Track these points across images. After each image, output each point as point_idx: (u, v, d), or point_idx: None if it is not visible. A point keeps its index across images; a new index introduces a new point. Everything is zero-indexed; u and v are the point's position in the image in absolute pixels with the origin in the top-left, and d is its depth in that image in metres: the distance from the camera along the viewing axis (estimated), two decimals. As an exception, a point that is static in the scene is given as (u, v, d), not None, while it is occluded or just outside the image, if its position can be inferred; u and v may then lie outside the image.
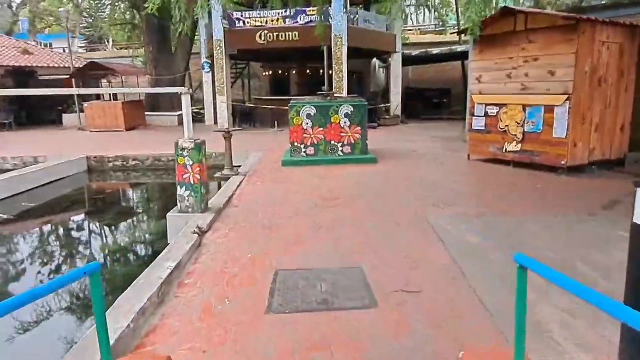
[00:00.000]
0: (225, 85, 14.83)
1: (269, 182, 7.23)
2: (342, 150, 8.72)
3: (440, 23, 29.79)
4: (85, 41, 43.07)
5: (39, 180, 9.05)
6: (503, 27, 7.82)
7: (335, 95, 9.12)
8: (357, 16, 14.37)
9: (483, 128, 8.34)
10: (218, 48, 14.59)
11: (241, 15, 14.21)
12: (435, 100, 19.70)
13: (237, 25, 14.33)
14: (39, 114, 19.67)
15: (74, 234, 7.23)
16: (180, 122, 18.61)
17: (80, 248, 6.49)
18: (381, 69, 22.19)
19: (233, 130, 8.13)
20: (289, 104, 8.67)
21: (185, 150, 5.22)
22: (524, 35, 7.50)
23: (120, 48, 35.50)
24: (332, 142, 8.67)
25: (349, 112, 8.58)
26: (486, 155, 8.48)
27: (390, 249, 4.17)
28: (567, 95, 6.95)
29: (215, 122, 16.07)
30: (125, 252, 6.10)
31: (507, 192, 6.28)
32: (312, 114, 8.55)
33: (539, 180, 6.95)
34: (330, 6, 13.58)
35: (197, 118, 18.59)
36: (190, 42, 19.40)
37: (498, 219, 5.00)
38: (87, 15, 40.19)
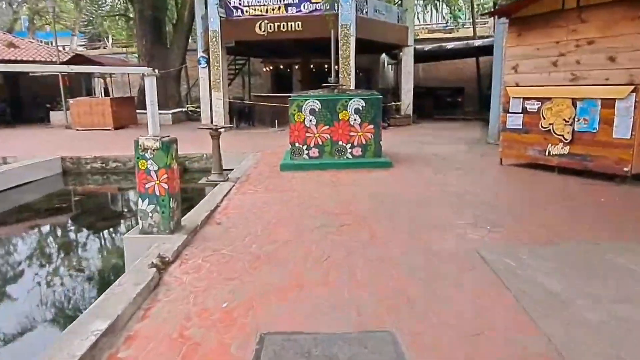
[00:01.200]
0: (221, 80, 13.55)
1: (263, 191, 5.92)
2: (351, 153, 7.41)
3: (452, 19, 28.51)
4: (85, 39, 41.95)
5: (-2, 185, 7.79)
6: (548, 5, 6.48)
7: (343, 88, 7.83)
8: (366, 5, 13.07)
9: (520, 127, 7.00)
10: (214, 40, 13.32)
11: (239, 4, 12.94)
12: (449, 100, 18.37)
13: (234, 14, 13.05)
14: (28, 111, 18.59)
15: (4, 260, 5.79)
16: (176, 121, 17.41)
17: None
18: (390, 66, 20.89)
19: (223, 127, 6.82)
20: (290, 98, 7.36)
21: (149, 151, 3.92)
22: (576, 14, 6.16)
23: (121, 46, 34.41)
24: (340, 142, 7.36)
25: (360, 108, 7.27)
26: (523, 159, 7.14)
27: (433, 300, 2.84)
28: (632, 87, 5.61)
29: (212, 121, 14.79)
30: (63, 289, 4.70)
31: (567, 209, 4.93)
32: (317, 110, 7.24)
33: (598, 191, 5.60)
34: (337, -7, 12.30)
35: (194, 117, 17.36)
36: (187, 36, 18.16)
37: (572, 248, 3.66)
38: (87, 13, 39.21)
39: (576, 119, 6.25)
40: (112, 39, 40.23)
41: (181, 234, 4.00)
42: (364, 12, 13.05)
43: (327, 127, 7.30)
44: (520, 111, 6.99)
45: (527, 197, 5.53)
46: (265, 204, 5.24)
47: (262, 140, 11.59)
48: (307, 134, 7.32)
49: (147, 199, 3.96)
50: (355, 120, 7.29)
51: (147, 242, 3.88)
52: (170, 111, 16.53)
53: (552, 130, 6.56)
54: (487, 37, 20.44)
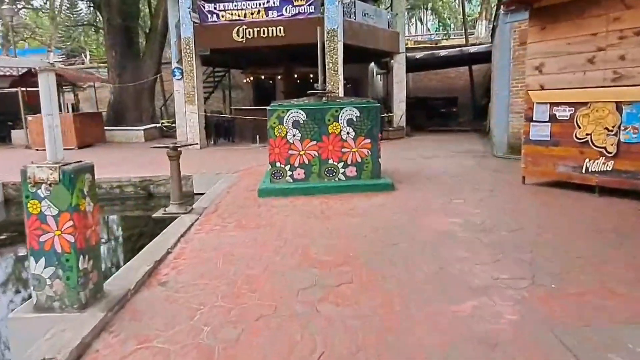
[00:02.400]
0: (196, 92, 12.24)
1: (233, 227, 4.57)
2: (344, 174, 6.11)
3: (440, 28, 27.74)
4: (63, 55, 40.40)
5: None
6: (580, -10, 5.34)
7: (333, 95, 6.57)
8: (354, 8, 11.93)
9: (547, 138, 5.80)
10: (187, 48, 12.03)
11: (214, 8, 11.69)
12: (443, 110, 17.27)
13: (209, 19, 11.80)
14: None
15: None
16: (149, 138, 16.01)
17: None
18: (379, 76, 19.79)
19: (184, 146, 5.48)
20: (269, 108, 6.06)
21: (43, 186, 2.58)
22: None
23: (99, 62, 32.97)
24: (331, 161, 6.07)
25: (354, 119, 5.99)
26: (552, 177, 5.92)
27: None
28: (700, 85, 4.45)
29: (187, 138, 13.42)
30: None
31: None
32: (302, 122, 5.95)
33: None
34: (322, -6, 11.15)
35: (169, 133, 15.97)
36: (161, 46, 16.86)
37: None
38: (64, 29, 37.82)
39: (622, 128, 5.05)
40: (90, 54, 38.76)
41: (97, 310, 2.63)
42: (352, 16, 11.90)
43: (315, 142, 6.01)
44: (546, 119, 5.79)
45: (581, 231, 4.24)
46: (234, 249, 3.89)
47: (241, 158, 10.26)
48: (290, 152, 6.02)
49: (42, 259, 2.60)
50: (348, 133, 6.02)
51: (44, 324, 2.52)
52: (143, 127, 15.13)
53: (590, 142, 5.35)
54: (479, 44, 19.55)
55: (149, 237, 4.54)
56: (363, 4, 12.35)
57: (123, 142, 14.88)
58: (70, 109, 17.42)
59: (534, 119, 5.94)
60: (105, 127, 15.22)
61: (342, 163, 6.09)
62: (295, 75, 14.78)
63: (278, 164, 6.05)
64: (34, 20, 39.98)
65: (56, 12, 34.21)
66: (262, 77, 15.88)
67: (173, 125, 15.90)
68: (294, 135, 5.98)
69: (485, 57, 16.24)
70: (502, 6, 8.98)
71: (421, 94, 18.87)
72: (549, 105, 5.75)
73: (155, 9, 16.94)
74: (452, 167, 7.91)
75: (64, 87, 19.42)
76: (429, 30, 36.79)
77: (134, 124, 15.85)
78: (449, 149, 10.75)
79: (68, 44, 38.61)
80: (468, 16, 32.10)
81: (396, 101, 14.33)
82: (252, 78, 16.06)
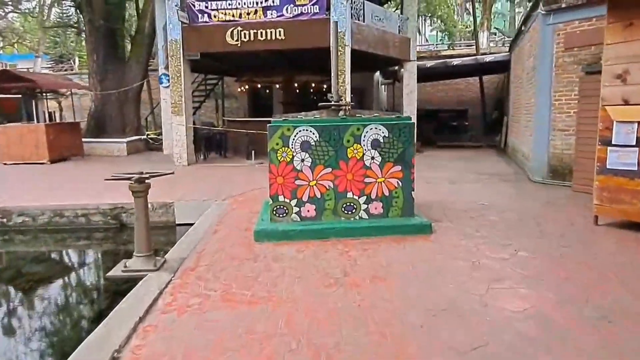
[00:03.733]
0: (183, 101, 10.81)
1: (219, 302, 3.13)
2: (367, 210, 4.71)
3: (445, 37, 26.57)
4: (52, 62, 38.91)
5: None
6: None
7: (352, 109, 5.16)
8: (362, 10, 10.61)
9: (634, 168, 4.44)
10: (174, 51, 10.64)
11: (206, 7, 10.33)
12: (454, 124, 15.98)
13: (199, 20, 10.43)
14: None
15: None
16: (133, 151, 14.51)
17: None
18: (383, 86, 18.50)
19: (156, 176, 4.04)
20: (270, 124, 4.65)
21: None
22: None
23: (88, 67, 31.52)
24: (350, 194, 4.67)
25: (381, 140, 4.61)
26: (638, 217, 4.55)
27: None
28: None
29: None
30: None
31: None
32: (313, 143, 4.55)
33: None
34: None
35: (155, 145, 14.53)
36: (149, 51, 15.46)
37: None
38: (53, 35, 36.48)
39: None
40: (79, 60, 37.29)
41: None
42: (360, 18, 10.58)
43: (330, 170, 4.61)
44: (632, 143, 4.44)
45: None
46: (218, 353, 2.46)
47: (234, 178, 8.84)
48: (298, 182, 4.61)
49: None
50: (372, 158, 4.63)
51: None
52: (126, 139, 13.67)
53: (701, 176, 4.01)
54: (491, 53, 18.35)
55: (89, 322, 3.09)
56: (372, 5, 11.04)
57: (104, 156, 13.42)
58: (48, 118, 15.95)
59: (613, 142, 4.58)
60: (85, 139, 13.75)
61: (365, 197, 4.69)
62: (296, 84, 13.42)
63: (281, 198, 4.64)
64: (22, 25, 38.57)
65: (44, 17, 32.83)
66: (259, 85, 14.50)
67: (160, 137, 14.48)
68: (302, 161, 4.57)
69: (501, 67, 15.03)
70: (539, 5, 7.70)
71: (428, 106, 17.59)
72: (636, 125, 4.41)
73: (142, 10, 15.56)
74: (490, 196, 6.53)
75: (44, 94, 18.02)
76: (427, 40, 35.71)
77: (117, 135, 14.41)
78: (472, 169, 9.39)
79: (57, 49, 37.26)
80: (465, 27, 31.08)
81: (406, 113, 12.98)
82: (247, 87, 14.68)
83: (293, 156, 4.56)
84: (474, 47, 26.70)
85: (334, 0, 9.81)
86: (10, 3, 30.16)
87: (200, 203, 6.79)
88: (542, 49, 7.78)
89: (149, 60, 15.56)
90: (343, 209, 4.70)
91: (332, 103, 5.03)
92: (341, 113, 4.83)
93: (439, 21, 24.53)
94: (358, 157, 4.62)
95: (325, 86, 13.07)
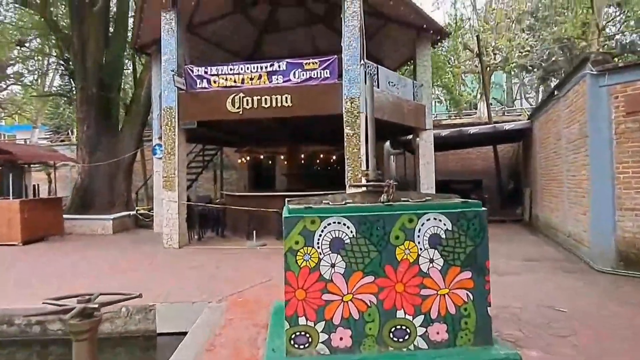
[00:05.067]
0: (176, 175, 9.60)
1: None
2: (425, 337, 3.25)
3: (451, 105, 26.20)
4: (50, 132, 38.55)
5: None
6: None
7: (396, 192, 3.88)
8: (377, 75, 9.73)
9: None
10: (168, 120, 9.59)
11: (205, 72, 9.42)
12: (473, 197, 14.74)
13: (198, 86, 9.48)
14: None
15: None
16: (119, 229, 13.05)
17: None
18: (392, 157, 17.47)
19: (108, 304, 2.62)
20: (287, 215, 3.31)
21: None
22: None
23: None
24: (401, 313, 3.23)
25: (443, 235, 3.25)
26: None
27: None
28: None
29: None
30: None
31: None
32: (348, 240, 3.18)
33: None
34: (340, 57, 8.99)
35: (145, 222, 13.15)
36: (144, 121, 14.55)
37: None
38: (52, 106, 36.34)
39: None
40: (77, 130, 36.80)
41: None
42: (375, 83, 9.67)
43: (371, 278, 3.21)
44: None
45: None
46: None
47: (232, 266, 7.40)
48: (327, 297, 3.19)
49: None
50: (432, 261, 3.25)
51: None
52: (112, 216, 12.31)
53: None
54: (506, 121, 17.56)
55: None
56: (387, 70, 10.19)
57: (87, 235, 12.00)
58: (32, 192, 14.67)
59: None
60: (67, 216, 12.41)
61: (422, 317, 3.25)
62: (302, 155, 12.32)
63: (303, 320, 3.19)
64: (23, 96, 38.61)
65: (44, 88, 32.69)
66: (261, 156, 13.41)
67: (151, 213, 13.15)
68: (333, 266, 3.19)
69: (518, 135, 14.12)
70: (588, 64, 6.70)
71: (439, 177, 16.49)
72: None
73: (139, 78, 14.84)
74: (561, 297, 5.08)
75: (30, 166, 16.96)
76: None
77: (104, 211, 13.07)
78: (513, 253, 7.99)
79: (56, 120, 37.01)
80: (461, 95, 30.96)
81: (423, 187, 11.81)
82: (247, 158, 13.59)
83: (320, 260, 3.18)
84: (474, 116, 26.36)
85: (347, 63, 8.92)
86: (12, 76, 30.15)
87: (189, 306, 5.32)
88: (593, 114, 6.68)
89: (143, 130, 14.61)
90: (391, 335, 3.24)
91: (369, 183, 3.74)
92: (384, 197, 3.51)
93: (444, 90, 24.17)
94: (411, 260, 3.24)
95: (334, 157, 11.98)
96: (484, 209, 3.45)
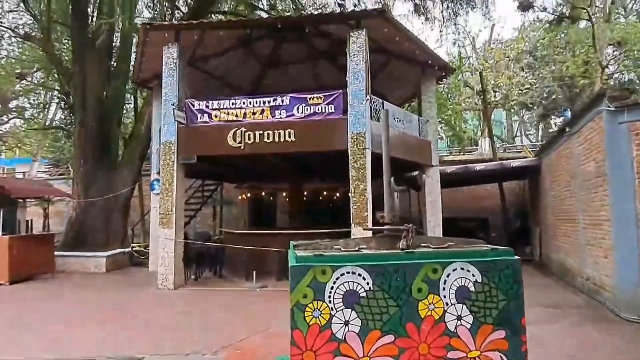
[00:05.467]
0: (174, 212, 9.21)
1: None
2: (454, 407, 2.80)
3: (454, 142, 26.11)
4: (50, 165, 38.40)
5: None
6: None
7: (417, 237, 3.50)
8: (381, 110, 9.52)
9: None
10: (167, 154, 9.29)
11: (206, 106, 9.20)
12: (480, 235, 14.35)
13: (198, 120, 9.24)
14: None
15: None
16: (113, 267, 12.47)
17: None
18: (396, 194, 17.12)
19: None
20: (296, 256, 2.91)
21: None
22: None
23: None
24: (424, 378, 2.80)
25: (471, 287, 2.85)
26: None
27: None
28: None
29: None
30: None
31: None
32: (364, 293, 2.78)
33: None
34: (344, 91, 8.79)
35: (140, 260, 12.65)
36: (142, 155, 14.28)
37: None
38: (53, 139, 36.32)
39: None
40: (78, 165, 36.53)
41: None
42: (379, 119, 9.43)
43: (391, 337, 2.78)
44: None
45: None
46: None
47: (229, 311, 6.91)
48: (340, 359, 2.76)
49: None
50: (460, 319, 2.83)
51: None
52: (106, 253, 11.83)
53: None
54: (510, 159, 17.32)
55: None
56: (392, 105, 9.98)
57: (79, 273, 11.50)
58: (22, 228, 14.21)
59: None
60: (60, 252, 11.93)
61: (450, 384, 2.81)
62: (304, 192, 11.97)
63: (311, 388, 2.74)
64: (23, 130, 38.68)
65: (46, 122, 32.72)
66: (263, 193, 13.07)
67: (147, 250, 12.67)
68: (346, 324, 2.76)
69: (524, 173, 13.83)
70: (605, 100, 6.44)
71: (444, 214, 16.10)
72: None
73: (140, 112, 14.68)
74: (593, 355, 4.60)
75: (26, 201, 16.58)
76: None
77: (98, 247, 12.59)
78: (531, 299, 7.46)
79: (56, 153, 36.94)
80: (464, 132, 30.94)
81: (429, 225, 11.40)
82: (248, 194, 13.23)
83: (331, 316, 2.76)
84: (475, 153, 26.21)
85: (351, 98, 8.70)
86: (14, 109, 30.25)
87: (182, 358, 4.82)
88: (612, 152, 6.37)
89: (142, 164, 14.33)
90: (414, 407, 2.78)
91: (385, 227, 3.35)
92: (403, 243, 3.12)
93: (445, 126, 24.13)
94: (436, 317, 2.82)
95: (337, 194, 11.62)
96: (516, 257, 3.05)
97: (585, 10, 16.39)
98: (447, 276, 2.92)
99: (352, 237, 8.52)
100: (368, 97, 8.73)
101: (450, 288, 2.91)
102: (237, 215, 17.56)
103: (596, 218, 7.08)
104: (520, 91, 24.16)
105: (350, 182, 8.57)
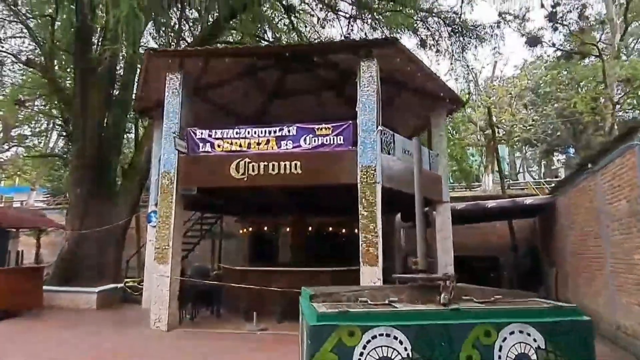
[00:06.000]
0: (170, 247, 8.64)
1: None
2: None
3: (459, 177, 25.74)
4: (48, 195, 37.81)
5: None
6: None
7: (462, 293, 2.93)
8: (393, 143, 9.09)
9: None
10: (166, 185, 8.81)
11: (209, 135, 8.78)
12: (492, 275, 13.72)
13: (200, 149, 8.81)
14: None
15: None
16: (104, 304, 11.66)
17: None
18: (401, 230, 16.54)
19: None
20: (314, 324, 2.37)
21: None
22: None
23: (82, 202, 30.09)
24: None
25: (532, 355, 2.31)
26: None
27: None
28: None
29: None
30: None
31: None
32: (401, 358, 2.24)
33: None
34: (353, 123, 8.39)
35: (133, 296, 11.95)
36: (141, 186, 13.80)
37: None
38: (52, 168, 35.94)
39: None
40: (75, 194, 35.92)
41: None
42: (391, 152, 9.01)
43: (435, 420, 2.21)
44: None
45: None
46: None
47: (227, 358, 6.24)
48: None
49: None
50: (520, 395, 2.26)
51: None
52: (97, 289, 11.15)
53: None
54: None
55: None
56: (403, 138, 9.57)
57: (68, 309, 10.79)
58: (12, 259, 13.59)
59: None
60: (48, 287, 11.26)
61: None
62: (309, 227, 11.41)
63: None
64: (23, 158, 38.36)
65: (47, 150, 32.42)
66: (264, 227, 12.50)
67: (140, 285, 11.99)
68: (379, 401, 2.20)
69: (535, 210, 13.30)
70: (638, 134, 6.00)
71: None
72: None
73: (140, 141, 14.29)
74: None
75: (19, 231, 16.04)
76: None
77: (90, 282, 11.91)
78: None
79: (55, 182, 36.48)
80: (470, 167, 30.59)
81: (441, 265, 10.77)
82: (250, 228, 12.66)
83: (360, 390, 2.21)
84: (479, 189, 25.76)
85: (361, 130, 8.28)
86: (15, 137, 30.05)
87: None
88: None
89: (140, 196, 13.83)
90: None
91: (420, 276, 2.82)
92: (444, 297, 2.58)
93: (451, 161, 23.78)
94: (491, 393, 2.26)
95: (344, 229, 11.07)
96: (587, 318, 2.51)
97: (594, 47, 16.29)
98: (503, 341, 2.39)
99: (361, 275, 7.96)
100: (380, 128, 8.32)
101: (506, 356, 2.37)
102: (237, 249, 16.89)
103: (629, 262, 6.53)
104: (524, 127, 23.93)
105: (360, 218, 8.05)
